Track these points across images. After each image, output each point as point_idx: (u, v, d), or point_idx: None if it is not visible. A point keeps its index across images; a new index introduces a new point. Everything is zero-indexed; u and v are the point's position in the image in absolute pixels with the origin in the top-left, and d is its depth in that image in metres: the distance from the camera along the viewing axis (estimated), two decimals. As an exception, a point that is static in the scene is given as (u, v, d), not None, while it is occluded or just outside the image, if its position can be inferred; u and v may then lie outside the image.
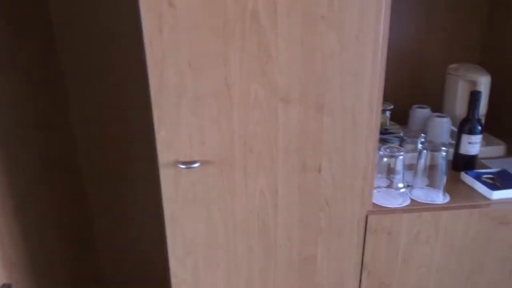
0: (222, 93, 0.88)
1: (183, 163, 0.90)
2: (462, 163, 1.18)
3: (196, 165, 0.90)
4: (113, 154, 1.47)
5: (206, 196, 0.95)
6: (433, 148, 1.04)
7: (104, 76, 1.38)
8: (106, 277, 1.65)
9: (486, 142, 1.28)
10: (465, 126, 1.15)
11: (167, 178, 0.92)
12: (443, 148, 1.03)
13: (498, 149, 1.29)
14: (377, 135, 0.96)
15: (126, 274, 1.65)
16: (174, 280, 1.01)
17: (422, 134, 1.19)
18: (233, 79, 0.87)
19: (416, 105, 1.35)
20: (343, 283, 1.07)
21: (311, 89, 0.90)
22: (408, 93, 1.49)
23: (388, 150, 1.06)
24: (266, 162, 0.94)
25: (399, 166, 1.05)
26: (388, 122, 1.40)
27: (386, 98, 1.38)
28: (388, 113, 1.40)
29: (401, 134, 1.24)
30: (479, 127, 1.14)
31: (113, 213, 1.56)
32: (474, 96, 1.13)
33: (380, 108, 0.94)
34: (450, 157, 1.20)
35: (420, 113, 1.33)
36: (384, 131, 1.33)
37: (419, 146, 1.07)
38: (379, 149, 1.03)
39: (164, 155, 0.90)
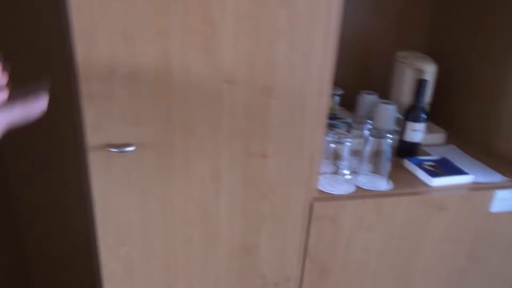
0: (161, 70, 0.80)
1: (116, 146, 0.82)
2: (405, 150, 1.20)
3: (130, 148, 0.82)
4: (37, 135, 1.33)
5: (142, 182, 0.88)
6: (379, 135, 1.04)
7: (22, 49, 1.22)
8: (32, 269, 1.52)
9: (427, 130, 1.31)
10: (410, 113, 1.16)
11: (96, 163, 0.83)
12: (389, 135, 1.03)
13: (439, 137, 1.33)
14: (325, 121, 0.93)
15: (54, 266, 1.54)
16: (105, 272, 0.93)
17: (369, 121, 1.18)
18: (173, 55, 0.79)
19: (364, 91, 1.35)
20: (286, 270, 1.06)
21: (258, 70, 0.84)
22: (358, 79, 1.48)
23: (335, 136, 1.04)
24: (209, 146, 0.88)
25: (345, 152, 1.04)
26: (336, 107, 1.39)
27: (336, 83, 1.36)
28: (337, 98, 1.38)
29: (349, 120, 1.23)
30: (423, 115, 1.15)
31: (39, 202, 1.42)
32: (420, 84, 1.14)
33: (329, 92, 0.91)
34: (395, 143, 1.21)
35: (367, 99, 1.32)
36: (332, 116, 1.31)
37: (366, 133, 1.06)
38: (326, 134, 1.01)
39: (93, 137, 0.81)
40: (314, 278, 1.08)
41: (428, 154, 1.22)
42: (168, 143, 0.86)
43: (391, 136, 1.04)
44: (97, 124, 0.81)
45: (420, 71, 1.28)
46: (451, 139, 1.33)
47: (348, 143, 1.02)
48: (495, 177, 1.12)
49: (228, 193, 0.94)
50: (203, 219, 0.95)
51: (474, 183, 1.09)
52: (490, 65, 1.27)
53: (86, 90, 0.78)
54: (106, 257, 0.93)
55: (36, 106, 0.52)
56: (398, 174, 1.11)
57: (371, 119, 1.23)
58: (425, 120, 1.16)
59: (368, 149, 1.05)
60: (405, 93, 1.33)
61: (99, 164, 0.84)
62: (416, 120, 1.15)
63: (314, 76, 0.87)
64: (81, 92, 0.77)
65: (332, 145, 1.04)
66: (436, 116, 1.38)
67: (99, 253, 0.92)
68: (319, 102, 0.90)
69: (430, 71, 1.27)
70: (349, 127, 1.22)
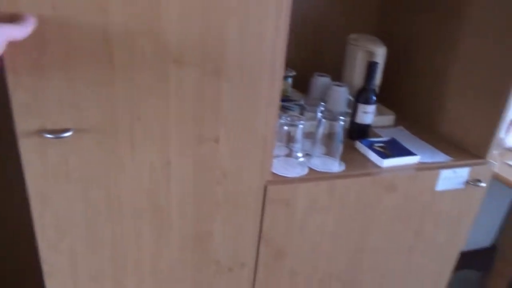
0: (99, 48, 0.73)
1: (51, 131, 0.74)
2: (357, 132, 1.21)
3: (68, 134, 0.75)
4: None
5: (83, 171, 0.81)
6: (332, 117, 1.04)
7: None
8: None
9: (377, 112, 1.33)
10: (361, 95, 1.17)
11: (29, 150, 0.76)
12: (341, 117, 1.03)
13: (389, 118, 1.36)
14: (278, 103, 0.91)
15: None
16: (46, 268, 0.87)
17: (321, 103, 1.18)
18: (113, 31, 0.72)
19: (317, 73, 1.34)
20: (241, 255, 1.04)
21: (208, 49, 0.79)
22: (312, 61, 1.48)
23: (288, 118, 1.02)
24: (157, 131, 0.83)
25: (298, 135, 1.03)
26: (289, 89, 1.37)
27: (289, 65, 1.35)
28: (290, 80, 1.37)
29: (302, 102, 1.22)
30: (374, 97, 1.17)
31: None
32: (371, 67, 1.15)
33: (282, 74, 0.88)
34: (347, 125, 1.23)
35: (320, 81, 1.32)
36: (285, 98, 1.30)
37: (318, 115, 1.05)
38: (279, 117, 0.99)
39: (23, 122, 0.73)
40: (269, 261, 1.08)
41: (379, 136, 1.25)
42: (111, 127, 0.80)
43: (343, 118, 1.04)
44: (28, 107, 0.73)
45: (371, 54, 1.30)
46: (399, 121, 1.37)
47: (301, 126, 1.01)
48: (440, 157, 1.17)
49: (179, 180, 0.90)
50: (153, 209, 0.91)
51: (421, 163, 1.13)
52: (433, 50, 1.31)
53: (11, 66, 0.69)
54: (45, 251, 0.86)
55: (25, 24, 0.62)
56: (350, 156, 1.12)
57: (324, 101, 1.23)
58: (376, 102, 1.18)
59: (321, 131, 1.05)
60: (357, 75, 1.34)
61: (33, 151, 0.76)
62: (367, 102, 1.16)
63: (267, 57, 0.84)
64: (6, 69, 0.69)
65: (285, 128, 1.03)
66: (386, 98, 1.41)
67: (39, 247, 0.85)
68: (272, 84, 0.87)
69: (380, 53, 1.29)
70: (302, 109, 1.22)
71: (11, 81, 0.70)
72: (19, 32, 0.60)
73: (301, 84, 1.40)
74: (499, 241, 2.31)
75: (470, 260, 2.25)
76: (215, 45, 0.79)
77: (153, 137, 0.84)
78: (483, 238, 2.35)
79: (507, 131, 1.82)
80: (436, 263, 1.30)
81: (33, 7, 0.66)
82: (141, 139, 0.83)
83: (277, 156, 1.05)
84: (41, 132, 0.75)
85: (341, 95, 1.26)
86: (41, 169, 0.79)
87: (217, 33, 0.79)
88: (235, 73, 0.83)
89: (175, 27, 0.75)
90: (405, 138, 1.25)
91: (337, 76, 1.40)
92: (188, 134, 0.86)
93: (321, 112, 1.06)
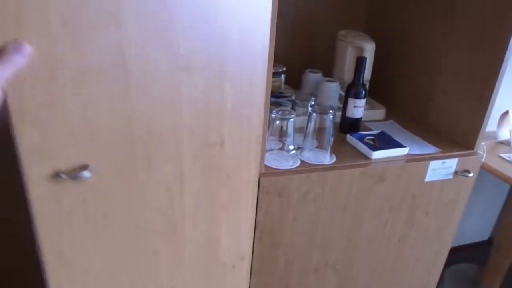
0: (116, 64, 0.68)
1: (67, 172, 0.67)
2: (348, 126, 1.25)
3: (87, 172, 0.68)
4: None
5: (104, 208, 0.75)
6: (322, 111, 1.07)
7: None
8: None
9: (369, 106, 1.37)
10: (351, 90, 1.20)
11: (42, 199, 0.68)
12: (330, 111, 1.07)
13: (379, 112, 1.39)
14: (269, 97, 0.94)
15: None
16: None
17: (312, 98, 1.22)
18: (129, 45, 0.68)
19: (309, 69, 1.38)
20: (241, 249, 1.06)
21: (213, 51, 0.79)
22: (304, 57, 1.51)
23: (279, 112, 1.06)
24: (170, 145, 0.81)
25: (290, 128, 1.06)
26: (282, 85, 1.41)
27: (282, 61, 1.38)
28: (283, 77, 1.41)
29: (293, 98, 1.26)
30: (364, 92, 1.20)
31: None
32: (359, 62, 1.18)
33: (271, 69, 0.92)
34: (339, 120, 1.26)
35: (312, 77, 1.36)
36: (278, 94, 1.34)
37: (309, 109, 1.09)
38: (271, 111, 1.03)
39: (34, 167, 0.65)
40: (265, 252, 1.11)
41: (369, 129, 1.28)
42: (129, 151, 0.75)
43: (333, 112, 1.07)
44: (38, 149, 0.65)
45: (360, 49, 1.33)
46: (390, 115, 1.40)
47: (291, 119, 1.05)
48: (429, 149, 1.20)
49: (191, 191, 0.89)
50: (168, 228, 0.89)
51: (410, 155, 1.17)
52: (421, 45, 1.34)
53: (18, 102, 0.61)
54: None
55: (19, 56, 0.54)
56: (341, 149, 1.16)
57: (316, 96, 1.27)
58: (365, 97, 1.21)
59: (312, 125, 1.09)
60: (347, 71, 1.38)
61: (45, 200, 0.69)
62: (357, 96, 1.20)
63: (259, 53, 0.85)
64: (10, 105, 0.62)
65: (277, 122, 1.07)
66: (377, 92, 1.45)
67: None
68: (263, 79, 0.91)
69: (369, 49, 1.32)
70: (294, 104, 1.25)
71: (16, 120, 0.64)
72: (6, 70, 0.51)
73: (294, 80, 1.44)
74: (495, 234, 2.34)
75: (467, 254, 2.28)
76: (219, 45, 0.79)
77: (167, 153, 0.82)
78: (481, 232, 2.38)
79: (499, 124, 1.86)
80: (428, 253, 1.34)
81: (41, 25, 0.62)
82: (157, 157, 0.80)
83: (271, 150, 1.09)
84: (55, 175, 0.68)
85: (332, 90, 1.30)
86: (56, 219, 0.71)
87: (219, 32, 0.78)
88: (235, 72, 0.83)
89: (185, 32, 0.74)
90: (395, 131, 1.29)
91: (328, 71, 1.44)
92: (198, 143, 0.85)
93: (312, 106, 1.09)
